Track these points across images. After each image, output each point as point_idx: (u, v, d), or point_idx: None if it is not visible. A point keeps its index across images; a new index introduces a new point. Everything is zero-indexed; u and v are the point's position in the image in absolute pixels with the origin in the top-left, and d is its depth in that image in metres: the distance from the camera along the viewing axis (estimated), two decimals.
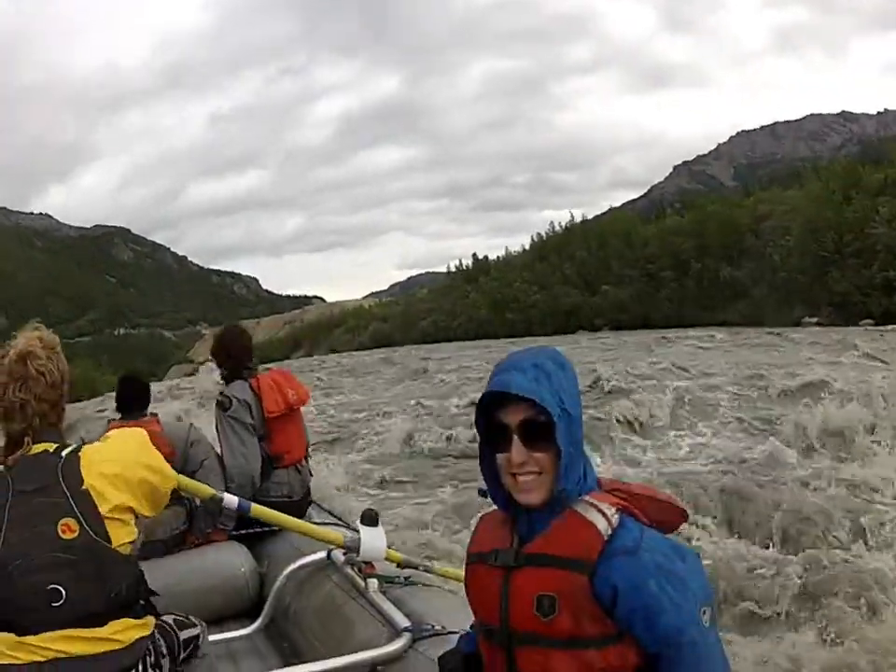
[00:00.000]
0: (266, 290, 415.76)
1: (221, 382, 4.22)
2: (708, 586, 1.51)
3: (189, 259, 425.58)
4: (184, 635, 2.22)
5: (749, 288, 63.60)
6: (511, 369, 1.50)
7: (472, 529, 1.76)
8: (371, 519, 2.95)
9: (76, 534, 1.88)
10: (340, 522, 4.00)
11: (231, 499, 2.89)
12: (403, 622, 2.51)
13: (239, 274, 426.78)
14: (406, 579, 2.90)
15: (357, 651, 2.47)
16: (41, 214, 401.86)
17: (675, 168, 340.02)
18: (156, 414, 3.88)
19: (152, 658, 2.04)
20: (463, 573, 2.06)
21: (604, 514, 1.49)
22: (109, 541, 1.92)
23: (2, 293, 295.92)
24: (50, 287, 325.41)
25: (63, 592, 1.86)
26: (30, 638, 1.85)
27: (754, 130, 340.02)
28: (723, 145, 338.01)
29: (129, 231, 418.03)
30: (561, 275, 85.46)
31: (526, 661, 1.52)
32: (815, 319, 53.82)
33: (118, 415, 3.88)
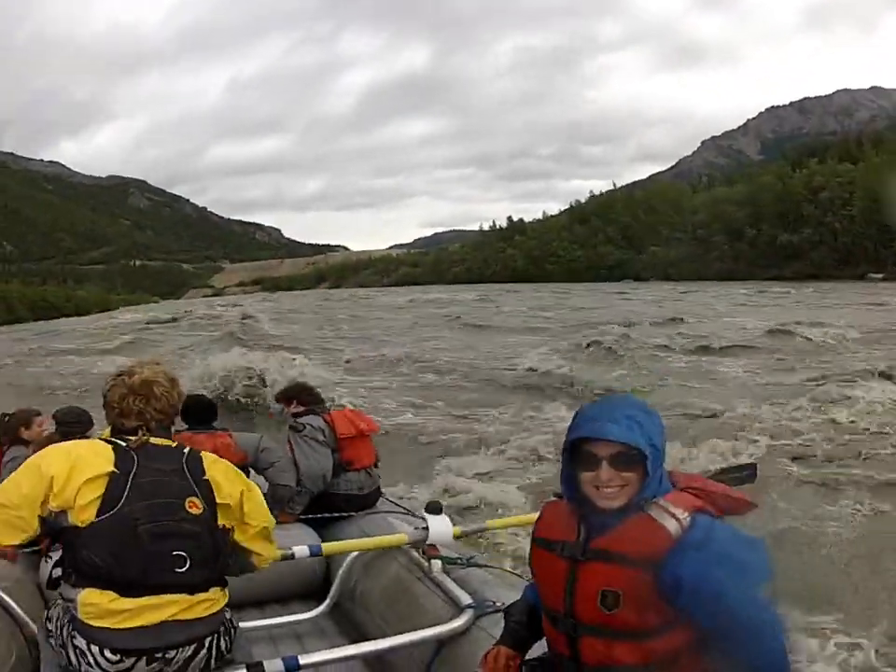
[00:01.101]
0: (288, 238, 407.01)
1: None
2: (769, 569, 1.58)
3: (210, 209, 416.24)
4: (227, 613, 2.27)
5: (808, 251, 64.07)
6: (604, 419, 1.63)
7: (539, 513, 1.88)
8: (435, 509, 3.05)
9: (200, 511, 2.10)
10: (407, 511, 4.13)
11: (303, 551, 3.08)
12: (466, 599, 2.58)
13: (261, 224, 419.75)
14: (468, 560, 2.93)
15: (421, 629, 2.53)
16: (52, 162, 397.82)
17: (703, 143, 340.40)
18: (227, 429, 4.26)
19: (225, 627, 2.20)
20: (514, 518, 2.54)
21: (676, 518, 1.59)
22: (217, 521, 2.15)
23: (11, 228, 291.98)
24: (62, 225, 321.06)
25: (188, 560, 2.04)
26: (143, 600, 2.00)
27: (783, 105, 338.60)
28: (752, 120, 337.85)
29: (146, 182, 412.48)
30: (604, 236, 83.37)
31: (589, 649, 1.62)
32: (881, 275, 55.01)
33: (184, 426, 4.10)
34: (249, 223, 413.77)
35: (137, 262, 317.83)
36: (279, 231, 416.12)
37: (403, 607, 2.88)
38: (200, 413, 4.23)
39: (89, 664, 1.99)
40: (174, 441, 2.25)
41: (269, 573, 2.55)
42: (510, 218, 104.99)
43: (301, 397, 4.71)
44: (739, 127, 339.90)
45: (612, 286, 52.54)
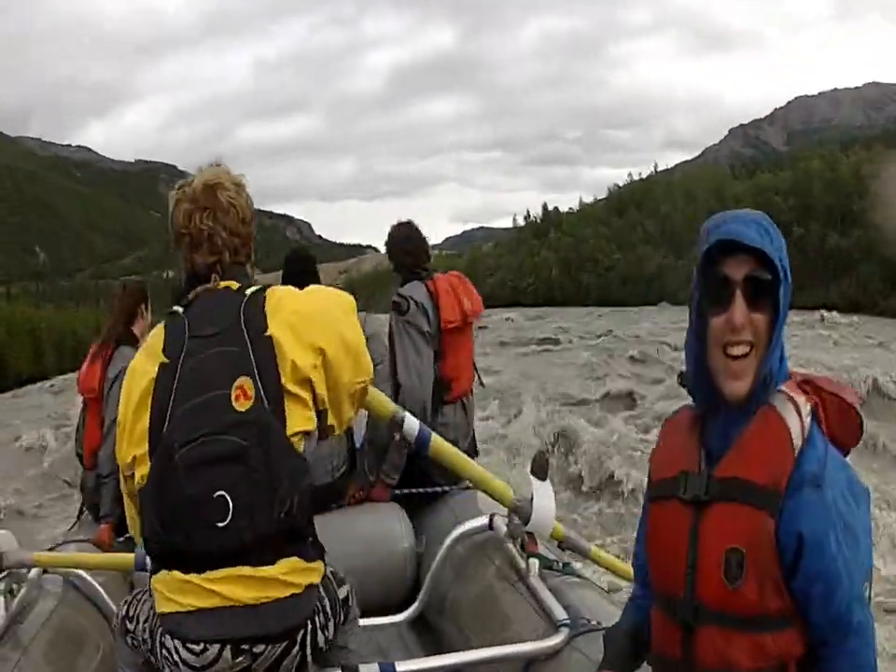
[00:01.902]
0: (319, 236, 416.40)
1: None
2: (871, 547, 1.33)
3: None
4: (340, 593, 1.81)
5: (857, 262, 59.17)
6: (736, 221, 1.35)
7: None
8: (542, 469, 2.61)
9: (250, 402, 1.59)
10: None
11: (412, 423, 2.55)
12: (561, 613, 2.34)
13: (291, 217, 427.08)
14: (565, 565, 2.65)
15: (510, 644, 2.32)
16: (80, 147, 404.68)
17: (730, 131, 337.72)
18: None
19: (321, 617, 1.70)
20: (615, 560, 2.18)
21: (799, 414, 1.32)
22: (284, 423, 1.61)
23: (43, 225, 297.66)
24: (93, 221, 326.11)
25: (230, 503, 1.54)
26: (194, 577, 1.58)
27: (812, 96, 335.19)
28: (780, 109, 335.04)
29: (175, 167, 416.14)
30: (643, 232, 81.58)
31: (708, 644, 1.32)
32: None
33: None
34: (280, 215, 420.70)
35: (170, 273, 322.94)
36: (309, 225, 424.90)
37: (492, 617, 2.62)
38: (296, 274, 3.35)
39: (165, 657, 1.64)
40: (237, 283, 1.74)
41: (356, 571, 2.17)
42: (544, 207, 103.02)
43: (409, 245, 3.66)
44: (767, 116, 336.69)
45: (648, 314, 50.07)
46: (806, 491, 1.26)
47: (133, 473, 1.68)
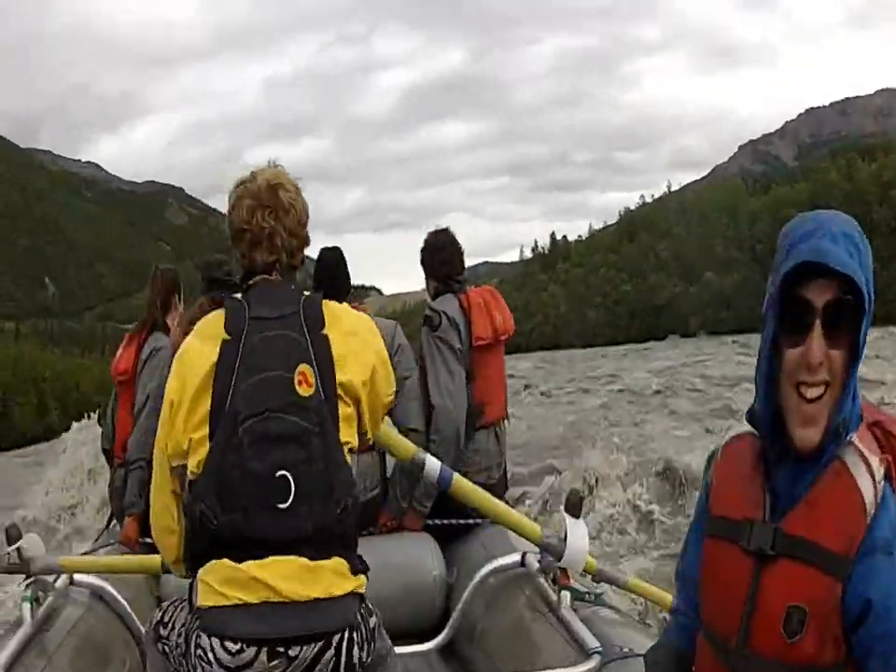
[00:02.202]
0: None
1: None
2: None
3: None
4: (371, 622, 1.76)
5: (885, 282, 55.61)
6: (822, 234, 1.19)
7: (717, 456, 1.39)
8: (575, 507, 2.64)
9: (311, 390, 1.62)
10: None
11: (433, 465, 2.58)
12: (593, 642, 2.36)
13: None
14: (597, 596, 2.66)
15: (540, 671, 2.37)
16: (89, 163, 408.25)
17: (740, 148, 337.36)
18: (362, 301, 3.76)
19: (358, 634, 1.66)
20: (655, 589, 2.13)
21: (871, 474, 1.21)
22: (337, 428, 1.64)
23: (52, 251, 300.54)
24: (102, 248, 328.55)
25: (292, 483, 1.57)
26: (248, 565, 1.57)
27: (822, 107, 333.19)
28: (790, 123, 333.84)
29: (182, 190, 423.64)
30: (655, 259, 78.44)
31: None
32: None
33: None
34: None
35: None
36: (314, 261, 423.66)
37: (523, 646, 2.63)
38: (329, 271, 3.42)
39: (200, 656, 1.59)
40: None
41: (385, 598, 2.21)
42: (552, 237, 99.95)
43: (445, 255, 3.55)
44: (777, 130, 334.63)
45: (656, 350, 46.74)
46: (878, 557, 1.18)
47: (183, 466, 1.64)
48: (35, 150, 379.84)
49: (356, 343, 1.72)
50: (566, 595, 2.53)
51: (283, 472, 1.54)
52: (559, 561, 2.55)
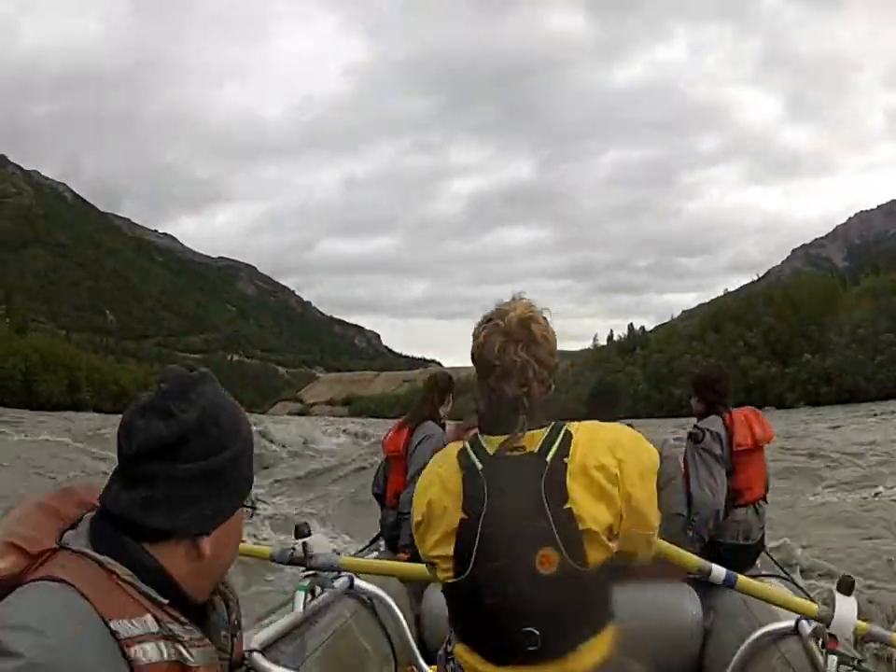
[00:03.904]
0: (386, 347, 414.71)
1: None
2: None
3: (314, 304, 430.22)
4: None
5: None
6: None
7: None
8: (847, 587, 2.68)
9: (554, 568, 1.62)
10: (788, 577, 3.95)
11: (719, 572, 2.73)
12: None
13: (361, 327, 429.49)
14: (860, 661, 2.68)
15: None
16: (165, 234, 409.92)
17: (793, 251, 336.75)
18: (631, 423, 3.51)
19: None
20: None
21: None
22: (586, 564, 1.64)
23: (117, 295, 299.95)
24: (167, 302, 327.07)
25: (539, 636, 1.62)
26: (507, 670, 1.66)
27: (871, 210, 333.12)
28: (840, 226, 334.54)
29: (255, 268, 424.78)
30: (744, 344, 76.66)
31: None
32: None
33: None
34: (350, 324, 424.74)
35: (235, 357, 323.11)
36: (378, 336, 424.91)
37: None
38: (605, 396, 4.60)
39: None
40: (539, 431, 1.71)
41: (643, 638, 2.03)
42: (630, 327, 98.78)
43: (718, 386, 4.14)
44: (828, 234, 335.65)
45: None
46: None
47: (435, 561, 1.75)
48: (114, 216, 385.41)
49: (607, 485, 1.69)
50: (832, 659, 2.55)
51: (530, 630, 1.60)
52: (828, 627, 2.57)
